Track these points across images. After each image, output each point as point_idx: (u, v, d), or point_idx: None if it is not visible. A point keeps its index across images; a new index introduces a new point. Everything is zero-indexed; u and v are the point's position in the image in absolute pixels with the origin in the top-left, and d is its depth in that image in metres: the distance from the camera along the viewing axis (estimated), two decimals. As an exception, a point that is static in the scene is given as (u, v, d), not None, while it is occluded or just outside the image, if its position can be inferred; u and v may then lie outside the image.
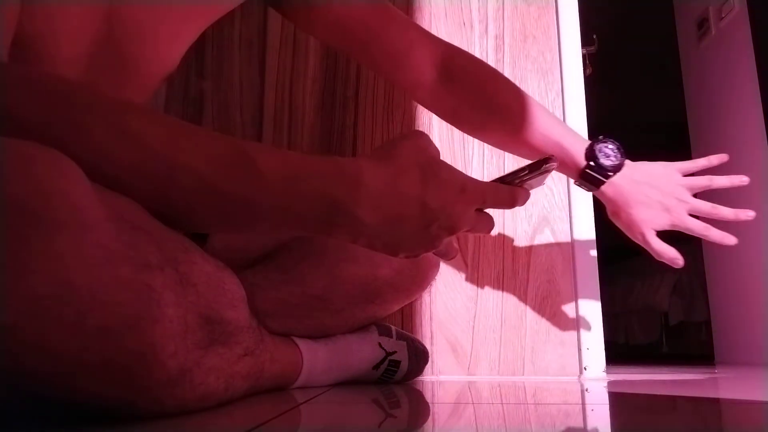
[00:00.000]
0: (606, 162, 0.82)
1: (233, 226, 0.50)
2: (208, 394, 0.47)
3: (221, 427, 0.43)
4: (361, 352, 0.87)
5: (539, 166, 0.58)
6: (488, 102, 0.84)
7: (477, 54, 1.25)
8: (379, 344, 0.89)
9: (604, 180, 0.83)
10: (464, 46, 1.26)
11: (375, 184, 0.48)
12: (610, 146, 0.83)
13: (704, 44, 2.33)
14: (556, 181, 1.21)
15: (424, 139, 0.54)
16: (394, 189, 0.49)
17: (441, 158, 0.54)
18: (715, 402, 0.65)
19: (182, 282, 0.43)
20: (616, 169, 0.82)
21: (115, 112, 0.44)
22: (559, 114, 1.23)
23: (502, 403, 0.62)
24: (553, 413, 0.52)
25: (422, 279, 0.87)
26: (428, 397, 0.73)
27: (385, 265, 0.82)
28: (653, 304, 3.17)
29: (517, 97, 0.84)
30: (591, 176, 0.83)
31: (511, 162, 1.21)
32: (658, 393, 0.77)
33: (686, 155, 2.47)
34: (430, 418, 0.52)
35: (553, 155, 0.59)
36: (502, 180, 0.60)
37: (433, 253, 0.59)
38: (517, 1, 1.28)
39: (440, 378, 1.10)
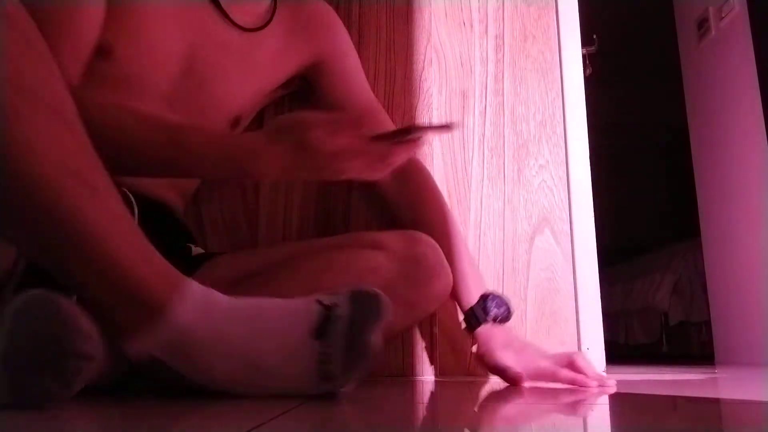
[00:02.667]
0: (493, 309, 0.91)
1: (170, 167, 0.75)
2: None
3: (221, 427, 0.43)
4: (287, 303, 0.64)
5: (405, 133, 0.73)
6: (413, 214, 1.01)
7: (477, 54, 1.25)
8: (317, 300, 0.63)
9: (482, 322, 0.91)
10: (464, 46, 1.26)
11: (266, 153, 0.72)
12: (504, 301, 0.92)
13: (704, 44, 2.33)
14: (556, 181, 1.21)
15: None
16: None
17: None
18: (715, 402, 0.65)
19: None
20: (497, 318, 0.91)
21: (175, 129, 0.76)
22: (559, 114, 1.23)
23: (501, 403, 0.62)
24: (553, 413, 0.52)
25: (422, 282, 0.87)
26: (428, 397, 0.73)
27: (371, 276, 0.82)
28: (653, 304, 3.17)
29: (441, 221, 0.99)
30: (474, 315, 0.91)
31: (511, 161, 1.21)
32: (658, 393, 0.78)
33: (686, 155, 2.48)
34: (430, 418, 0.52)
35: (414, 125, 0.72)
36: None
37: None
38: (517, 1, 1.28)
39: (440, 378, 1.10)
